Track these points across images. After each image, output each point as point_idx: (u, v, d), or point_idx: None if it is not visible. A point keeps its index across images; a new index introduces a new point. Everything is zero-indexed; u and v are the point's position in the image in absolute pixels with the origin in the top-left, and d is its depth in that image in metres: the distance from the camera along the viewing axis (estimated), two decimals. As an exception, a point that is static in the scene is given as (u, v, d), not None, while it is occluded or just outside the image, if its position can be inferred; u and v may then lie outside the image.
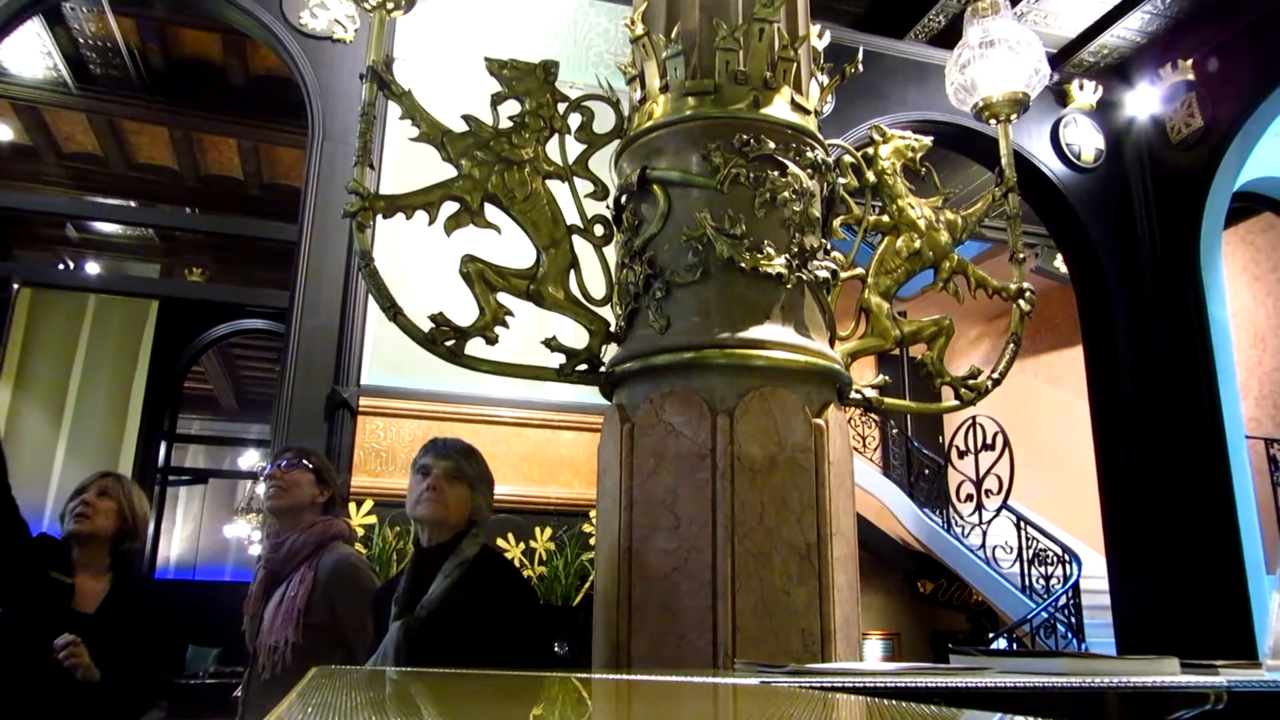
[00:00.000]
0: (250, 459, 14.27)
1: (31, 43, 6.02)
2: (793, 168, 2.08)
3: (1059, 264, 8.00)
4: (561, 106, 2.25)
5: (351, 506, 4.11)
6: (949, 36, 5.67)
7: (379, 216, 2.12)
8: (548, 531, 4.31)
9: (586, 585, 4.11)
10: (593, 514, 3.85)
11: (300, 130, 4.95)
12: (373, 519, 4.08)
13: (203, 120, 7.05)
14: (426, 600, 2.16)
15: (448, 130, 2.17)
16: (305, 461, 2.74)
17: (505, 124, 2.20)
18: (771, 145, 2.07)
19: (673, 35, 2.16)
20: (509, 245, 2.29)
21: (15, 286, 6.00)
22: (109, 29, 6.03)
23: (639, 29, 2.23)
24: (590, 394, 2.26)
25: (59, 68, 6.34)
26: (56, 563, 2.59)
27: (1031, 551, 8.46)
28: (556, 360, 2.17)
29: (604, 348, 2.19)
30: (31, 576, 2.55)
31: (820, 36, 2.40)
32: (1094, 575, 7.40)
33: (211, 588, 13.26)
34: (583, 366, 2.17)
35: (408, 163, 4.46)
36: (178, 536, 15.03)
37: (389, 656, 2.12)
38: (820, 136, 2.21)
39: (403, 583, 2.25)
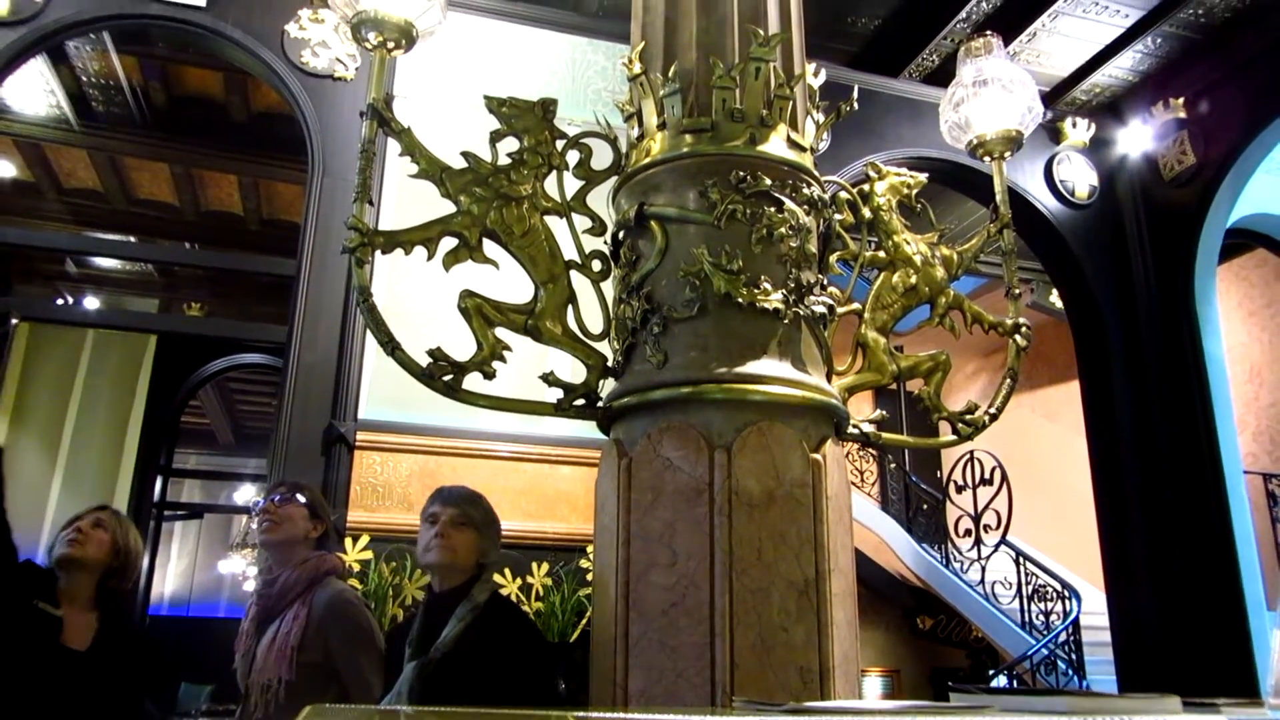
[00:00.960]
0: (246, 494, 14.21)
1: (35, 81, 6.08)
2: (789, 204, 2.10)
3: (1055, 299, 8.03)
4: (560, 143, 2.27)
5: (347, 542, 4.09)
6: (943, 75, 5.75)
7: (378, 252, 2.13)
8: (545, 567, 4.28)
9: (583, 621, 4.07)
10: (590, 549, 3.83)
11: (300, 166, 4.98)
12: (368, 554, 4.05)
13: (204, 156, 7.11)
14: (440, 643, 2.24)
15: (447, 167, 2.19)
16: (299, 496, 2.73)
17: (504, 160, 2.22)
18: (768, 182, 2.09)
19: (670, 74, 2.18)
20: (507, 281, 2.30)
21: (14, 321, 6.01)
22: (112, 67, 6.10)
23: (636, 68, 2.26)
24: (588, 429, 2.27)
25: (61, 105, 6.39)
26: (41, 592, 2.51)
27: (1031, 587, 8.42)
28: (554, 395, 2.17)
29: (601, 383, 2.19)
30: (15, 605, 2.46)
31: (816, 75, 2.43)
32: (1094, 611, 7.35)
33: (205, 624, 13.14)
34: (580, 401, 2.18)
35: (407, 198, 4.49)
36: (172, 572, 14.92)
37: (403, 696, 2.20)
38: (816, 173, 2.23)
39: (416, 625, 2.34)
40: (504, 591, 4.18)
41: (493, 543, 2.44)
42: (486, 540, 2.42)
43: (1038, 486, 9.67)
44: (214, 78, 6.48)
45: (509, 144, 2.24)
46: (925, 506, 9.97)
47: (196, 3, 4.70)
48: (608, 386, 2.17)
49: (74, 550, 2.55)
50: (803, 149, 2.22)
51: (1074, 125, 6.20)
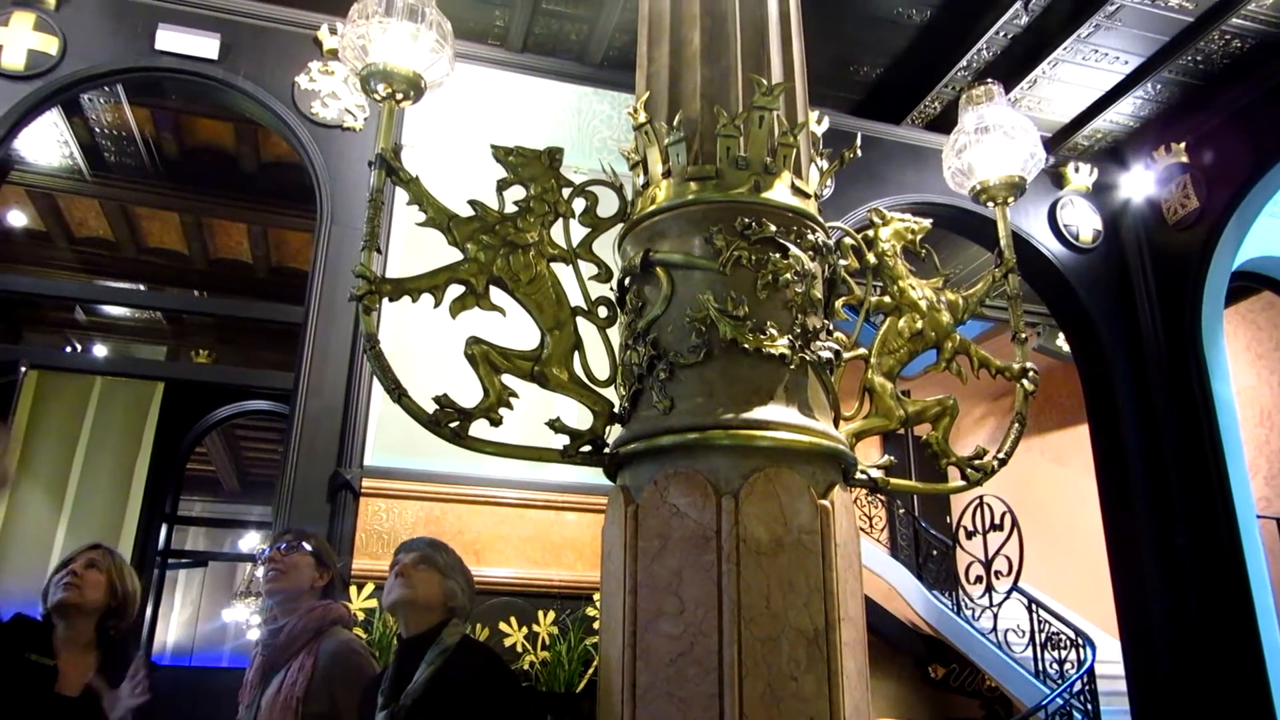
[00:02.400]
0: (251, 541, 14.15)
1: (49, 132, 6.17)
2: (794, 250, 2.11)
3: (1061, 343, 8.03)
4: (566, 191, 2.29)
5: (353, 590, 4.06)
6: (945, 122, 5.80)
7: (385, 300, 2.14)
8: (551, 615, 4.24)
9: (590, 671, 4.02)
10: (597, 597, 3.79)
11: (309, 215, 5.03)
12: (373, 603, 4.02)
13: (214, 205, 7.19)
14: (410, 689, 2.20)
15: (454, 215, 2.21)
16: (305, 544, 2.71)
17: (511, 208, 2.24)
18: (773, 228, 2.10)
19: (675, 123, 2.21)
20: (513, 327, 2.30)
21: (23, 369, 6.03)
22: (125, 118, 6.19)
23: (642, 116, 2.29)
24: (594, 475, 2.25)
25: (75, 155, 6.48)
26: (35, 644, 2.46)
27: (1044, 635, 8.29)
28: (560, 441, 2.17)
29: (608, 429, 2.18)
30: (6, 660, 2.40)
31: (819, 122, 2.47)
32: (1109, 660, 7.23)
33: (208, 674, 12.99)
34: (587, 448, 2.17)
35: (414, 246, 4.53)
36: (175, 621, 14.80)
37: (377, 747, 2.14)
38: (820, 219, 2.25)
39: (387, 673, 2.31)
40: (509, 641, 4.14)
41: (461, 587, 2.41)
42: (453, 583, 2.39)
43: (1048, 532, 9.58)
44: (225, 128, 6.58)
45: (516, 192, 2.26)
46: (935, 552, 9.87)
47: (209, 55, 4.79)
48: (614, 433, 2.17)
49: (70, 595, 2.50)
50: (807, 195, 2.24)
51: (1076, 170, 6.24)
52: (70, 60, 4.59)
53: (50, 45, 4.56)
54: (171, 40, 4.76)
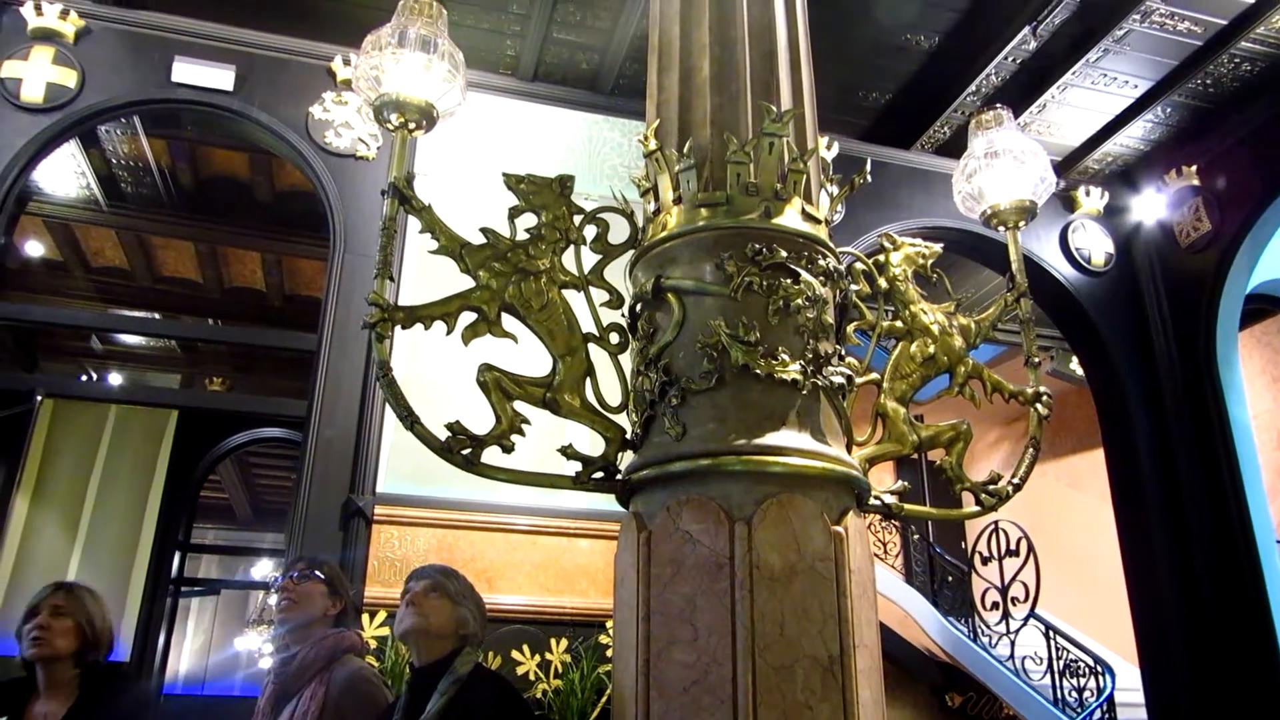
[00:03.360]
0: (264, 569, 14.14)
1: (66, 163, 6.25)
2: (805, 275, 2.11)
3: (1075, 366, 7.98)
4: (577, 218, 2.30)
5: (365, 618, 4.05)
6: (954, 147, 5.82)
7: (398, 327, 2.15)
8: (563, 643, 4.22)
9: (603, 700, 3.99)
10: (609, 624, 3.77)
11: (322, 243, 5.07)
12: (386, 631, 4.00)
13: (228, 235, 7.25)
14: (423, 719, 2.18)
15: (466, 243, 2.22)
16: (317, 573, 2.71)
17: (522, 236, 2.25)
18: (784, 254, 2.10)
19: (685, 150, 2.22)
20: (525, 354, 2.31)
21: (39, 398, 6.07)
22: (141, 150, 6.27)
23: (652, 144, 2.30)
24: (607, 501, 2.25)
25: (91, 186, 6.56)
26: (10, 706, 2.46)
27: (1062, 662, 8.19)
28: (573, 468, 2.16)
29: (620, 455, 2.18)
30: None
31: (829, 148, 2.48)
32: (1129, 687, 7.13)
33: (220, 703, 12.94)
34: (599, 474, 2.16)
35: (426, 274, 4.55)
36: (188, 649, 14.77)
37: (391, 777, 2.13)
38: (831, 244, 2.25)
39: (400, 703, 2.31)
40: (521, 669, 4.12)
41: (473, 615, 2.40)
42: (464, 610, 2.38)
43: (1065, 557, 9.49)
44: (239, 158, 6.65)
45: (527, 219, 2.27)
46: (950, 578, 9.78)
47: (225, 87, 4.85)
48: (626, 459, 2.16)
49: (41, 650, 2.49)
50: (817, 221, 2.24)
51: (1087, 194, 6.24)
52: (88, 93, 4.66)
53: (69, 78, 4.63)
54: (188, 72, 4.83)
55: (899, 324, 2.49)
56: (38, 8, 4.65)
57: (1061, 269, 6.02)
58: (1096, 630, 9.05)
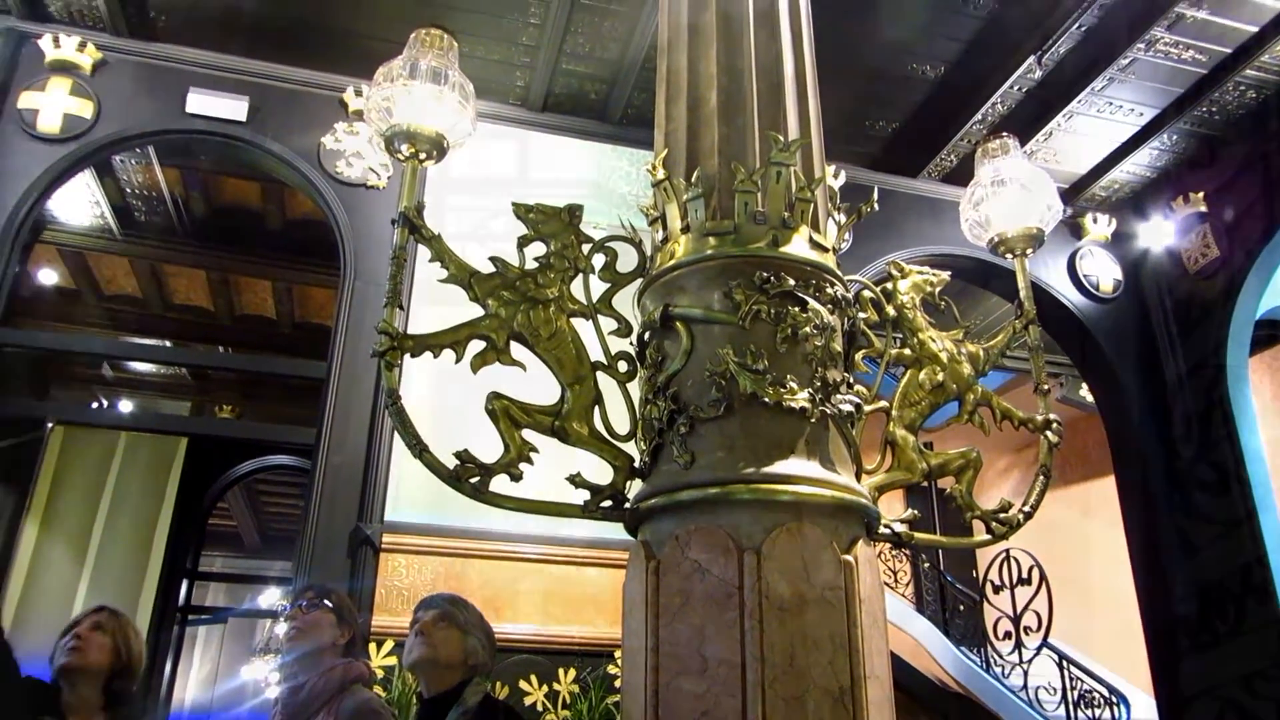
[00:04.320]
0: (271, 597, 14.10)
1: (81, 192, 6.32)
2: (813, 303, 2.12)
3: (1085, 393, 7.95)
4: (585, 247, 2.32)
5: (372, 647, 4.03)
6: (961, 175, 5.84)
7: (407, 355, 2.16)
8: (572, 673, 4.19)
9: (612, 731, 3.96)
10: (618, 654, 3.74)
11: (332, 271, 5.11)
12: (393, 660, 3.99)
13: (240, 263, 7.30)
14: None
15: (475, 271, 2.24)
16: (325, 601, 2.70)
17: (531, 265, 2.26)
18: (791, 282, 2.11)
19: (693, 179, 2.23)
20: (534, 382, 2.31)
21: (49, 425, 6.10)
22: (155, 179, 6.33)
23: (660, 173, 2.32)
24: (615, 530, 2.24)
25: (105, 215, 6.62)
26: (46, 707, 2.45)
27: (1077, 693, 8.10)
28: (581, 496, 2.16)
29: (628, 484, 2.18)
30: None
31: (836, 177, 2.48)
32: (1144, 718, 7.04)
33: (226, 733, 12.88)
34: (607, 503, 2.16)
35: (436, 302, 4.57)
36: (194, 678, 14.71)
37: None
38: (839, 273, 2.25)
39: None
40: (529, 699, 4.09)
41: (482, 645, 2.40)
42: (474, 640, 2.38)
43: (1078, 585, 9.40)
44: (252, 188, 6.71)
45: (536, 248, 2.28)
46: (962, 607, 9.70)
47: (238, 118, 4.91)
48: (635, 488, 2.16)
49: (74, 659, 2.50)
50: (825, 249, 2.25)
51: (1095, 221, 6.24)
52: (104, 123, 4.72)
53: (85, 109, 4.69)
54: (202, 103, 4.89)
55: (907, 351, 2.49)
56: (56, 40, 4.72)
57: (1070, 296, 6.02)
58: (1111, 659, 8.95)
